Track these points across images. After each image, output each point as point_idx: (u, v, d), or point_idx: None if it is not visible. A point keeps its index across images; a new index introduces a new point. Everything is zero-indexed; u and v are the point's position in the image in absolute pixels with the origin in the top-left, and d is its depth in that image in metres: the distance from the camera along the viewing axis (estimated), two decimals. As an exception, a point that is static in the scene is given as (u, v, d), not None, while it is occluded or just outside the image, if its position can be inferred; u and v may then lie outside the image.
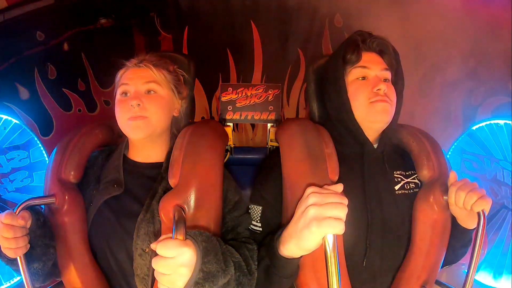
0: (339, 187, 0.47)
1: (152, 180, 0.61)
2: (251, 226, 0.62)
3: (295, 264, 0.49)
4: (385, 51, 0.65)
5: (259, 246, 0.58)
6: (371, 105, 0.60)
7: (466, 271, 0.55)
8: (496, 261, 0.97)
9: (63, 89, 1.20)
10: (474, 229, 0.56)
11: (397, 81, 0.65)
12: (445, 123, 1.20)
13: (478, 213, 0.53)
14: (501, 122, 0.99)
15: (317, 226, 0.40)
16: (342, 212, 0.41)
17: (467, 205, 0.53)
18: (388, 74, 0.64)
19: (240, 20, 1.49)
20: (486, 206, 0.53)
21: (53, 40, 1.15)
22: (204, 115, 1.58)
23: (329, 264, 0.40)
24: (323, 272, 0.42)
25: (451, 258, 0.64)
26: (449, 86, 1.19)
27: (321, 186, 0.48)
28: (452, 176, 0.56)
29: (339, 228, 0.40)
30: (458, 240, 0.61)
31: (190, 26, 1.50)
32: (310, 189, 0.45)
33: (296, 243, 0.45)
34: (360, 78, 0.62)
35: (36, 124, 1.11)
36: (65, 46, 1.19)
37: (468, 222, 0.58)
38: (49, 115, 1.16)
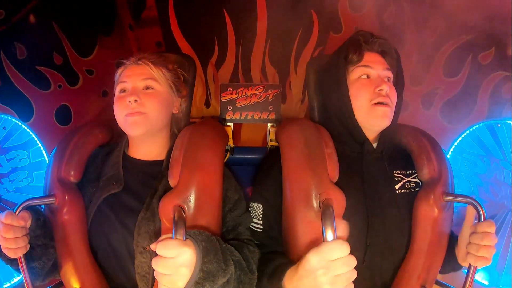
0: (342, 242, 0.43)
1: (152, 178, 0.61)
2: (252, 224, 0.62)
3: None
4: (387, 51, 0.65)
5: (259, 264, 0.57)
6: (372, 108, 0.60)
7: (466, 271, 0.55)
8: (496, 261, 0.99)
9: (37, 67, 1.03)
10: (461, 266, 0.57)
11: (398, 82, 0.65)
12: (467, 110, 1.06)
13: (470, 265, 0.54)
14: (501, 122, 0.98)
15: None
16: (353, 276, 0.42)
17: (469, 249, 0.54)
18: (390, 74, 0.64)
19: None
20: (480, 265, 0.54)
21: (15, 15, 0.96)
22: (199, 84, 1.40)
23: None
24: None
25: (443, 271, 0.65)
26: (480, 71, 1.02)
27: (322, 188, 0.47)
28: (470, 212, 0.55)
29: (353, 276, 0.42)
30: (448, 264, 0.61)
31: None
32: (313, 260, 0.42)
33: None
34: (364, 77, 0.62)
35: (13, 110, 0.97)
36: (31, 19, 1.00)
37: (462, 261, 0.58)
38: (26, 98, 1.00)
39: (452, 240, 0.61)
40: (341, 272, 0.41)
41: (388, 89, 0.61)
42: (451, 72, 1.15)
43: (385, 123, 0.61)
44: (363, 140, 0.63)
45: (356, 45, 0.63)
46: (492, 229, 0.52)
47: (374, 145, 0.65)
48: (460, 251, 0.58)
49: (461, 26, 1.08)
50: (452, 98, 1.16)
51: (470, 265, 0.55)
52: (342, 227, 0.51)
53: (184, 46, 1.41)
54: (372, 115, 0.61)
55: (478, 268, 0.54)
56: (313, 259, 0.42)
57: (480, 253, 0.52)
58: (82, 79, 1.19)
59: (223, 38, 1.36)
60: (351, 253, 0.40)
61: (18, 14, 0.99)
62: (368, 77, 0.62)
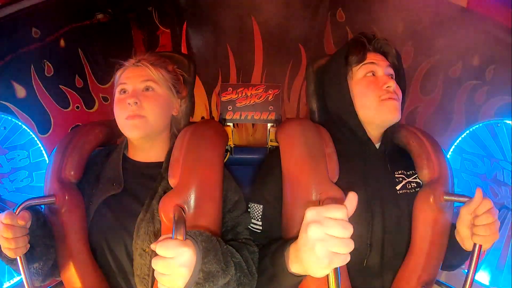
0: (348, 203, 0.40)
1: (151, 179, 0.61)
2: (251, 225, 0.62)
3: (302, 277, 0.49)
4: (389, 52, 0.65)
5: (260, 249, 0.57)
6: (381, 103, 0.60)
7: (466, 271, 0.55)
8: (496, 261, 0.98)
9: (60, 86, 1.18)
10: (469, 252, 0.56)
11: (400, 81, 0.66)
12: (446, 121, 1.20)
13: (475, 244, 0.54)
14: (501, 122, 0.99)
15: (328, 264, 0.38)
16: (350, 247, 0.38)
17: (476, 231, 0.53)
18: (392, 71, 0.64)
19: (240, 15, 1.45)
20: (486, 245, 0.53)
21: (49, 36, 1.12)
22: (203, 112, 1.55)
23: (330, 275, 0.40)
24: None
25: (447, 267, 0.65)
26: (452, 84, 1.17)
27: (322, 189, 0.46)
28: (478, 196, 0.53)
29: (348, 259, 0.39)
30: (454, 256, 0.61)
31: (189, 21, 1.47)
32: (309, 213, 0.40)
33: (305, 271, 0.43)
34: (370, 74, 0.62)
35: (33, 122, 1.08)
36: (62, 43, 1.16)
37: (467, 243, 0.57)
38: (46, 112, 1.14)
39: (451, 233, 0.60)
40: (334, 233, 0.37)
41: (394, 85, 0.61)
42: (428, 89, 1.27)
43: (396, 116, 0.60)
44: (366, 140, 0.63)
45: (359, 45, 0.64)
46: (491, 205, 0.52)
47: (377, 145, 0.64)
48: (461, 233, 0.57)
49: (430, 49, 1.21)
50: (432, 113, 1.27)
51: (470, 265, 0.54)
52: None
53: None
54: (383, 111, 0.60)
55: (486, 248, 0.53)
56: (309, 213, 0.39)
57: (488, 232, 0.52)
58: (98, 104, 1.30)
59: (226, 70, 1.52)
60: (352, 252, 0.40)
61: (51, 36, 1.13)
62: (373, 74, 0.63)
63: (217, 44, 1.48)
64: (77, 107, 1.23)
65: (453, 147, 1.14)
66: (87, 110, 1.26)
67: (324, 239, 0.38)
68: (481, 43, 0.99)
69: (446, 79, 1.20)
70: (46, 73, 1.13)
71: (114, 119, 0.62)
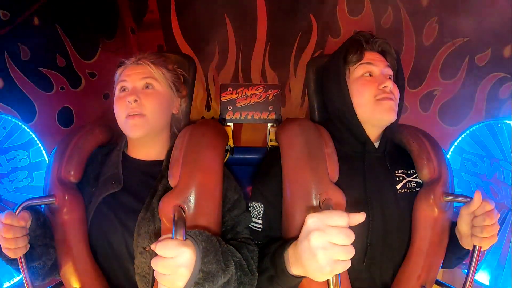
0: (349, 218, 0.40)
1: (151, 178, 0.61)
2: (252, 223, 0.62)
3: (301, 278, 0.49)
4: (387, 51, 0.65)
5: (261, 249, 0.57)
6: (377, 103, 0.60)
7: (466, 271, 0.55)
8: (496, 261, 0.98)
9: (40, 68, 1.05)
10: (469, 250, 0.56)
11: (398, 81, 0.65)
12: (464, 112, 1.08)
13: (474, 246, 0.54)
14: (501, 122, 0.98)
15: (331, 272, 0.38)
16: (351, 253, 0.38)
17: (473, 232, 0.53)
18: (391, 72, 0.64)
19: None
20: (484, 246, 0.53)
21: (19, 16, 0.97)
22: (200, 91, 1.42)
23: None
24: None
25: (447, 265, 0.65)
26: (477, 72, 1.04)
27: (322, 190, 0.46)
28: (477, 198, 0.52)
29: (349, 265, 0.39)
30: (454, 253, 0.61)
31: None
32: (311, 220, 0.40)
33: (305, 273, 0.43)
34: (367, 74, 0.62)
35: (16, 111, 0.98)
36: (35, 21, 1.01)
37: (465, 241, 0.57)
38: (28, 99, 1.01)
39: (452, 230, 0.60)
40: (337, 241, 0.38)
41: (391, 86, 0.61)
42: (448, 74, 1.17)
43: (392, 117, 0.60)
44: (365, 139, 0.63)
45: (357, 45, 0.63)
46: (491, 207, 0.52)
47: (376, 144, 0.64)
48: (460, 231, 0.57)
49: (456, 30, 1.09)
50: (449, 100, 1.17)
51: (470, 265, 0.55)
52: None
53: (186, 49, 1.42)
54: (378, 110, 0.60)
55: (484, 249, 0.53)
56: (310, 220, 0.40)
57: (485, 234, 0.52)
58: (84, 82, 1.20)
59: (224, 42, 1.38)
60: None
61: (22, 16, 0.99)
62: (370, 75, 0.62)
63: (214, 14, 1.31)
64: (62, 88, 1.11)
65: (453, 147, 1.14)
66: (73, 89, 1.14)
67: (326, 247, 0.38)
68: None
69: (471, 66, 1.08)
70: (22, 58, 0.99)
71: (114, 120, 0.62)
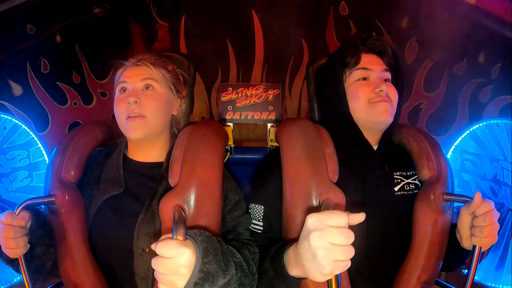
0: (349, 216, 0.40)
1: (152, 180, 0.61)
2: (252, 225, 0.62)
3: (301, 280, 0.49)
4: (385, 52, 0.64)
5: (261, 250, 0.57)
6: (372, 106, 0.60)
7: (466, 271, 0.55)
8: (496, 261, 0.99)
9: (57, 82, 1.16)
10: (469, 251, 0.56)
11: (397, 81, 0.65)
12: (450, 119, 1.16)
13: (474, 246, 0.54)
14: (501, 122, 0.98)
15: (331, 272, 0.38)
16: (351, 254, 0.38)
17: (473, 232, 0.54)
18: (388, 75, 0.63)
19: (240, 9, 1.41)
20: (484, 246, 0.53)
21: (44, 32, 1.09)
22: (203, 108, 1.51)
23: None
24: None
25: (448, 268, 0.65)
26: (457, 82, 1.13)
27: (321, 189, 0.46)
28: (477, 198, 0.52)
29: (349, 265, 0.39)
30: (454, 254, 0.61)
31: (187, 14, 1.42)
32: (310, 220, 0.40)
33: (305, 274, 0.43)
34: (361, 79, 0.62)
35: (31, 120, 1.07)
36: (58, 38, 1.13)
37: (465, 242, 0.57)
38: (44, 110, 1.12)
39: (452, 231, 0.60)
40: (337, 241, 0.38)
41: (387, 89, 0.60)
42: (431, 87, 1.25)
43: (387, 118, 0.60)
44: (363, 142, 0.62)
45: (353, 48, 0.63)
46: (491, 207, 0.52)
47: (375, 147, 0.64)
48: (460, 231, 0.57)
49: (434, 45, 1.18)
50: (435, 111, 1.25)
51: (470, 265, 0.55)
52: None
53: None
54: (373, 113, 0.60)
55: (484, 249, 0.54)
56: (310, 220, 0.40)
57: (485, 234, 0.52)
58: (96, 100, 1.28)
59: (226, 65, 1.48)
60: None
61: (47, 32, 1.10)
62: (366, 79, 0.62)
63: (217, 39, 1.44)
64: (75, 103, 1.21)
65: (453, 147, 1.14)
66: (85, 106, 1.24)
67: (326, 247, 0.38)
68: (487, 41, 0.96)
69: (451, 77, 1.17)
70: (42, 70, 1.10)
71: (114, 119, 0.62)
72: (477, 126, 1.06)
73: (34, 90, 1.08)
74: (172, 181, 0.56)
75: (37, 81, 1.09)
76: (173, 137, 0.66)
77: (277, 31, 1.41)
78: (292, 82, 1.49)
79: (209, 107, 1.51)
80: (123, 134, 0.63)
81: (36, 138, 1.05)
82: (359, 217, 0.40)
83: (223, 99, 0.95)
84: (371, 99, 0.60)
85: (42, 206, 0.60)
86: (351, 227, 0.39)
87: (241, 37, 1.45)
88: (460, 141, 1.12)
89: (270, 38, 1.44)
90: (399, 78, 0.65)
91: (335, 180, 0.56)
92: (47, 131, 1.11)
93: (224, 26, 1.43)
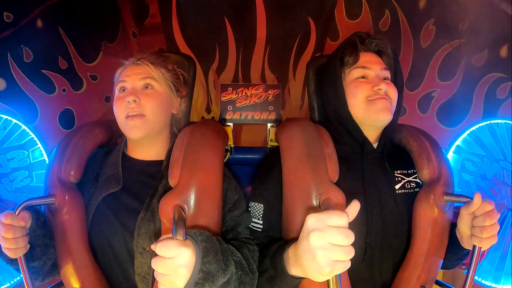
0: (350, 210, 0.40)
1: (151, 178, 0.61)
2: (252, 224, 0.62)
3: (301, 279, 0.49)
4: (384, 51, 0.65)
5: (261, 249, 0.58)
6: (370, 103, 0.60)
7: (466, 271, 0.55)
8: (496, 261, 0.99)
9: (42, 70, 1.06)
10: (469, 250, 0.56)
11: (397, 81, 0.65)
12: (462, 112, 1.08)
13: (474, 246, 0.54)
14: (501, 122, 0.99)
15: (330, 272, 0.38)
16: (351, 254, 0.38)
17: (473, 232, 0.54)
18: (387, 74, 0.64)
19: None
20: (484, 247, 0.53)
21: (23, 19, 0.98)
22: (200, 90, 1.43)
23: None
24: None
25: (447, 265, 0.65)
26: (474, 73, 1.04)
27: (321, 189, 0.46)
28: (477, 199, 0.52)
29: (348, 265, 0.39)
30: (454, 254, 0.61)
31: (180, -13, 1.31)
32: (310, 220, 0.40)
33: (305, 274, 0.43)
34: (360, 78, 0.62)
35: (18, 113, 0.99)
36: (39, 24, 1.02)
37: (465, 242, 0.57)
38: (31, 100, 1.03)
39: (452, 231, 0.60)
40: (336, 242, 0.37)
41: (386, 87, 0.60)
42: (446, 76, 1.17)
43: (386, 116, 0.60)
44: (363, 140, 0.63)
45: (352, 47, 0.63)
46: (491, 207, 0.52)
47: (375, 145, 0.64)
48: (460, 231, 0.57)
49: (453, 31, 1.09)
50: (447, 101, 1.17)
51: (470, 265, 0.55)
52: None
53: (186, 52, 1.44)
54: (371, 110, 0.60)
55: (484, 249, 0.53)
56: (310, 220, 0.39)
57: (485, 234, 0.52)
58: (86, 84, 1.21)
59: (224, 45, 1.38)
60: None
61: (26, 18, 1.00)
62: (365, 77, 0.62)
63: (213, 16, 1.30)
64: (64, 90, 1.12)
65: (453, 147, 1.14)
66: (74, 92, 1.16)
67: (326, 247, 0.38)
68: (512, 34, 0.87)
69: (468, 67, 1.08)
70: (25, 59, 1.01)
71: (114, 119, 0.62)
72: (477, 126, 1.07)
73: (18, 82, 0.99)
74: (172, 182, 0.56)
75: (20, 72, 0.99)
76: (173, 136, 0.66)
77: (281, 8, 1.27)
78: (296, 65, 1.37)
79: (206, 89, 1.41)
80: (123, 134, 0.63)
81: (36, 138, 1.03)
82: (354, 207, 0.40)
83: (223, 99, 0.95)
84: (369, 97, 0.60)
85: (42, 206, 0.60)
86: (351, 227, 0.39)
87: (241, 13, 1.30)
88: (460, 141, 1.12)
89: (274, 16, 1.29)
90: (399, 79, 0.65)
91: (335, 180, 0.56)
92: (37, 122, 1.03)
93: (221, 2, 1.29)
